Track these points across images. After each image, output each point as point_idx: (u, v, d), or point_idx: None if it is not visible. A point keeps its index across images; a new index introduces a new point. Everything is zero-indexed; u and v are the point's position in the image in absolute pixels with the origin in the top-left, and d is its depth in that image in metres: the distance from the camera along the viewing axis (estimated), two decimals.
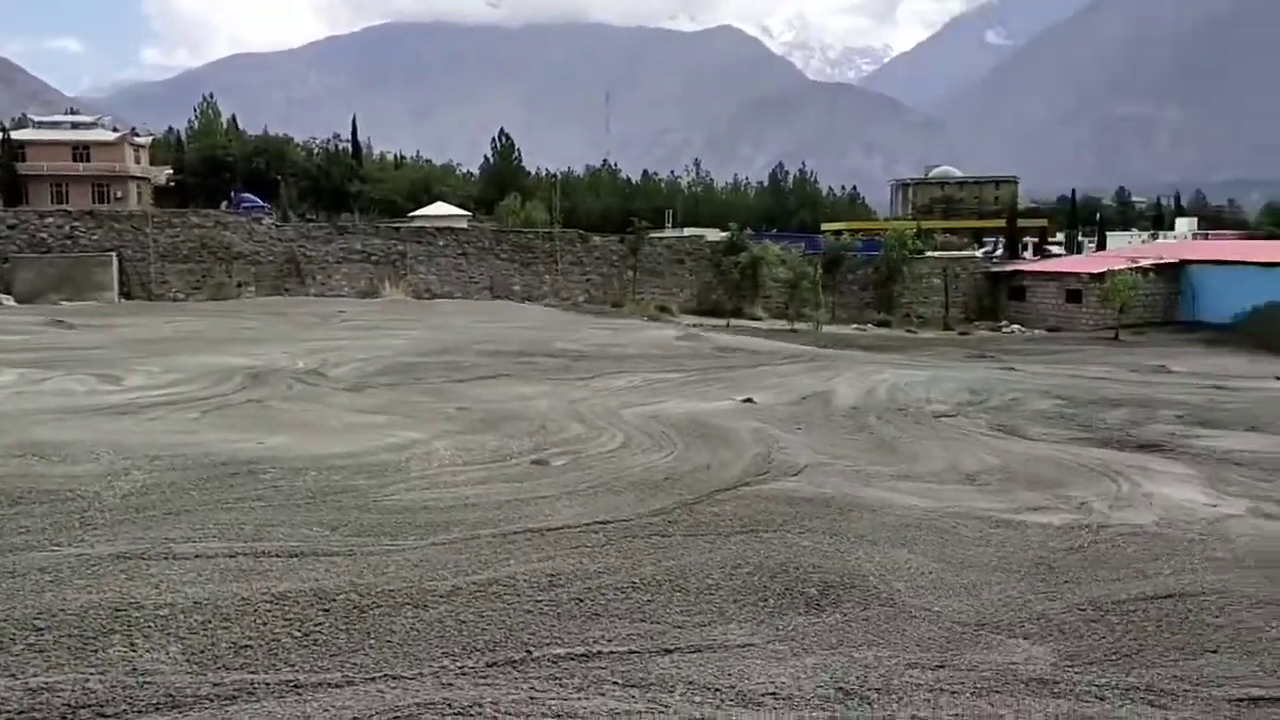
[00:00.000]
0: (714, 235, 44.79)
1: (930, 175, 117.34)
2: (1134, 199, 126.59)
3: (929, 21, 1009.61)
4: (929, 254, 48.49)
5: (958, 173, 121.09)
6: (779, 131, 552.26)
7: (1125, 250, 50.97)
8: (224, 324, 22.43)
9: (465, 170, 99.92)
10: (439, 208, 59.17)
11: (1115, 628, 4.28)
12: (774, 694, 3.24)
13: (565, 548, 4.89)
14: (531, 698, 3.20)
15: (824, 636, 3.80)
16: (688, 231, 53.07)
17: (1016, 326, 38.99)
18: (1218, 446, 10.27)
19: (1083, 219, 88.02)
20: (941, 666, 3.60)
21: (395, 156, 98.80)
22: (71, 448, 7.24)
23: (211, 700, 3.10)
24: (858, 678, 3.41)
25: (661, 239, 44.52)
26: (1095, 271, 39.66)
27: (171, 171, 63.25)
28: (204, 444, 7.56)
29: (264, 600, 4.03)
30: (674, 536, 5.23)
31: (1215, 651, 4.07)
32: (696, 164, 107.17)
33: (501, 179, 76.11)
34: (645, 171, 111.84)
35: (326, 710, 3.08)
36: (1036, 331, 37.58)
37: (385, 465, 6.93)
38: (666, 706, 3.16)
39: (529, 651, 3.59)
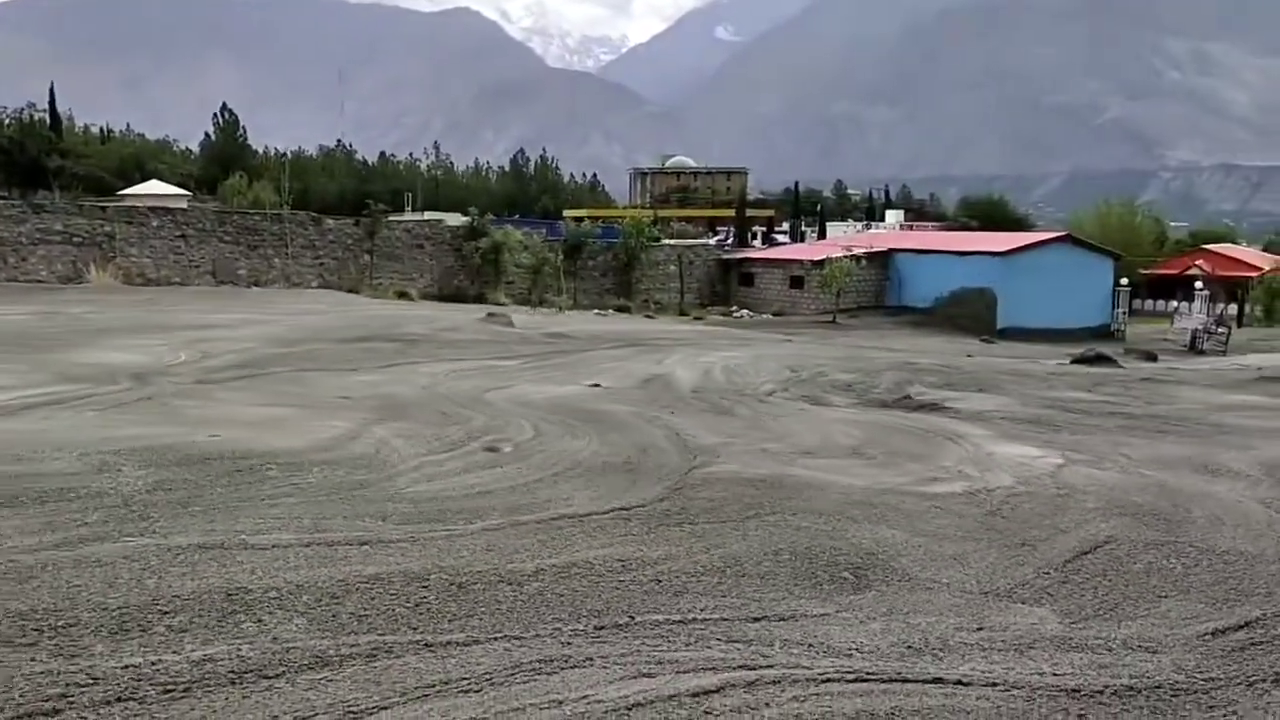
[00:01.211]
0: (455, 220, 44.16)
1: (667, 165, 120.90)
2: (850, 191, 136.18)
3: (664, 15, 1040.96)
4: (666, 242, 50.10)
5: (692, 163, 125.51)
6: (520, 117, 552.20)
7: (841, 239, 54.76)
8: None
9: (184, 147, 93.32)
10: (154, 186, 54.83)
11: (1083, 586, 4.79)
12: (857, 649, 3.72)
13: (614, 535, 5.08)
14: (641, 651, 3.58)
15: (876, 607, 4.27)
16: (428, 215, 52.05)
17: (746, 311, 41.01)
18: (970, 406, 11.57)
19: (806, 209, 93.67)
20: (980, 629, 4.09)
21: (102, 130, 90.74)
22: (11, 448, 6.65)
23: (356, 659, 3.42)
24: (919, 639, 3.94)
25: (400, 223, 43.40)
26: (816, 259, 42.38)
27: None
28: (151, 437, 7.06)
29: (360, 581, 4.22)
30: (700, 524, 5.41)
31: (1166, 596, 4.66)
32: (436, 147, 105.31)
33: (225, 157, 71.61)
34: (383, 153, 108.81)
35: (462, 665, 3.42)
36: (764, 315, 39.67)
37: (363, 457, 6.77)
38: (768, 656, 3.60)
39: (631, 618, 3.94)
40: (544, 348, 16.78)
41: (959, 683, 3.55)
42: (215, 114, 78.64)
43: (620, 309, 39.34)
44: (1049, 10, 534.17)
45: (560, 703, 3.15)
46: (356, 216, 39.61)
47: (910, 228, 73.51)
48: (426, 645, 3.60)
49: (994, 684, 3.57)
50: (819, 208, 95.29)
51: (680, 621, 3.96)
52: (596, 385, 12.04)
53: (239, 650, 3.45)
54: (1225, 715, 3.49)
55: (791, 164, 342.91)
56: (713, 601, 4.26)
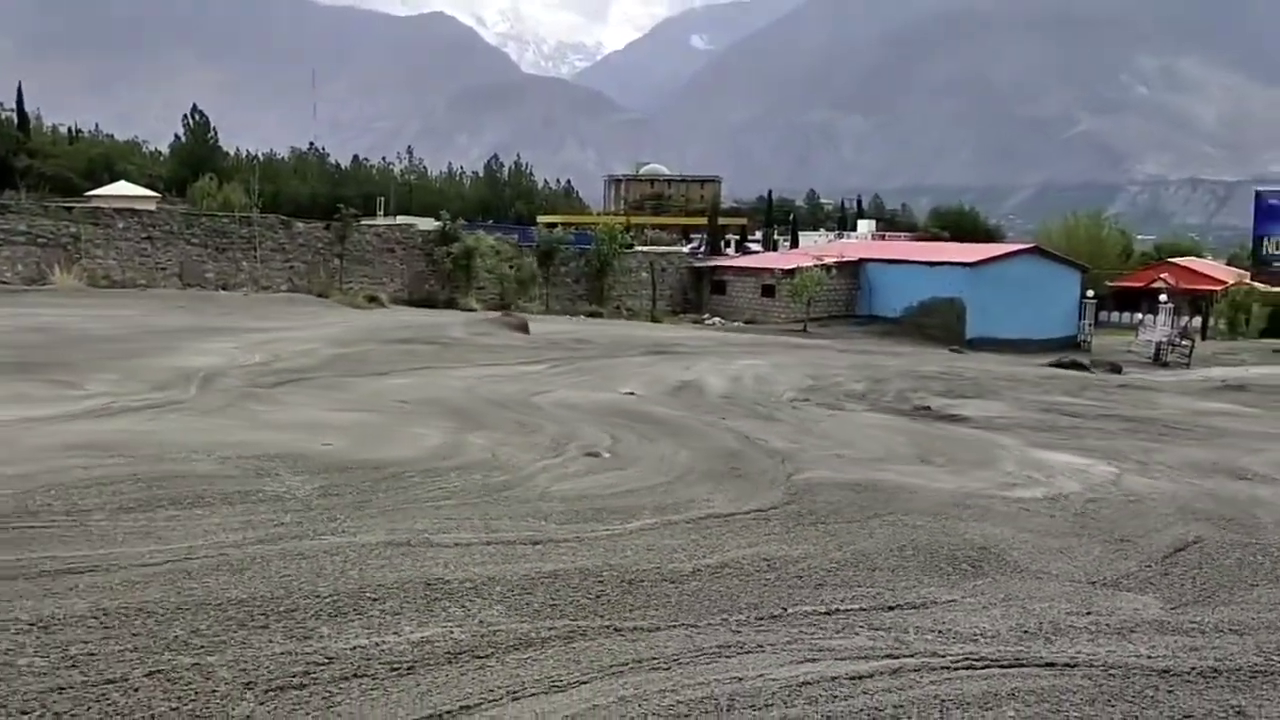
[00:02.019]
0: (427, 224, 44.01)
1: (641, 172, 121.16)
2: (822, 201, 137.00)
3: (639, 23, 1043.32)
4: (638, 249, 50.18)
5: (667, 171, 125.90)
6: (495, 122, 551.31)
7: (812, 249, 54.99)
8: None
9: (154, 148, 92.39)
10: (122, 187, 54.28)
11: (1182, 577, 5.28)
12: (981, 635, 4.19)
13: (758, 534, 5.62)
14: (801, 639, 4.02)
15: (994, 594, 4.79)
16: (400, 220, 51.84)
17: (718, 319, 41.12)
18: (981, 413, 11.98)
19: (778, 218, 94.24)
20: (1088, 614, 4.54)
21: (70, 130, 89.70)
22: (145, 449, 6.93)
23: (555, 641, 3.80)
24: (1034, 623, 4.38)
25: (372, 227, 43.14)
26: (787, 268, 42.57)
27: None
28: (272, 444, 7.35)
29: (541, 576, 4.61)
30: (829, 524, 5.96)
31: (1257, 585, 5.17)
32: (410, 151, 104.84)
33: (195, 159, 70.94)
34: (356, 157, 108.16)
35: (650, 647, 3.80)
36: (736, 323, 39.78)
37: (482, 463, 7.13)
38: (907, 643, 4.04)
39: (784, 609, 4.37)
40: (568, 353, 17.04)
41: (1068, 664, 3.95)
42: (185, 115, 77.90)
43: (592, 315, 39.32)
44: (1020, 24, 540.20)
45: (740, 680, 3.55)
46: (327, 220, 39.35)
47: (882, 238, 74.05)
48: (616, 630, 4.00)
49: (1096, 665, 3.96)
50: (792, 217, 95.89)
51: (827, 612, 4.41)
52: (631, 393, 12.05)
53: (451, 633, 3.86)
54: None
55: (765, 173, 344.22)
56: (852, 593, 4.72)
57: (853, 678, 3.66)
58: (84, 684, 3.24)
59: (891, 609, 4.53)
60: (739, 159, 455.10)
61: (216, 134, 78.69)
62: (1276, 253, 57.77)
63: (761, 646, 3.91)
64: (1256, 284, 51.63)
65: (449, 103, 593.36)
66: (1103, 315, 51.63)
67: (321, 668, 3.46)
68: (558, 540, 5.27)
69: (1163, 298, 41.96)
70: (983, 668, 3.88)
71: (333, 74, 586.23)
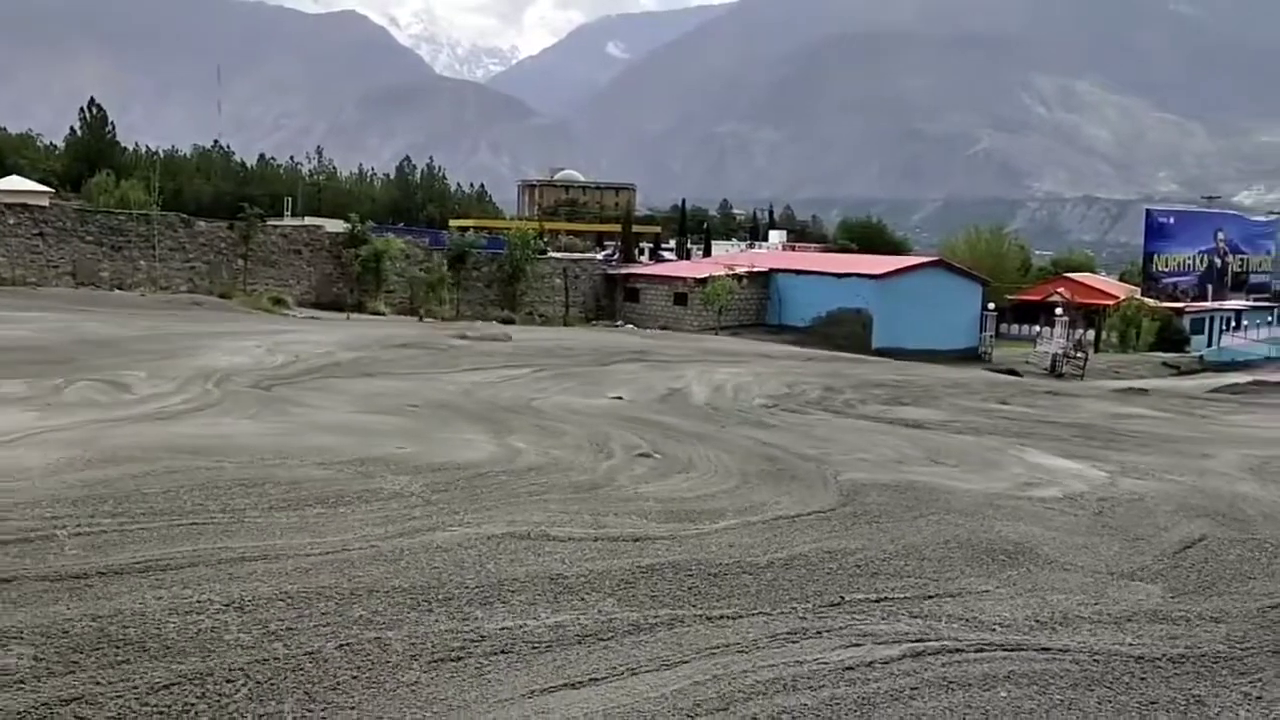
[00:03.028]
0: (336, 226, 43.19)
1: (555, 178, 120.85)
2: (735, 211, 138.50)
3: (555, 29, 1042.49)
4: (552, 255, 50.02)
5: (581, 177, 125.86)
6: (407, 124, 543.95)
7: (724, 258, 55.60)
8: None
9: (48, 142, 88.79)
10: (12, 182, 51.97)
11: (1189, 570, 5.89)
12: (999, 623, 4.76)
13: (821, 531, 6.27)
14: (852, 624, 4.60)
15: (1023, 585, 5.37)
16: (308, 221, 50.77)
17: (631, 325, 41.24)
18: (933, 418, 12.64)
19: (692, 227, 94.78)
20: (1097, 604, 5.13)
21: None
22: (233, 452, 7.51)
23: (660, 627, 4.42)
24: (1047, 613, 4.93)
25: (278, 228, 42.20)
26: (699, 277, 42.95)
27: None
28: (349, 449, 7.90)
29: (640, 570, 5.19)
30: (881, 522, 6.58)
31: (1253, 578, 5.72)
32: (319, 151, 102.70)
33: (92, 154, 68.46)
34: (262, 156, 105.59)
35: (735, 632, 4.41)
36: (649, 330, 39.94)
37: (548, 466, 7.76)
38: (936, 629, 4.60)
39: (842, 598, 4.97)
40: (548, 359, 17.37)
41: (1062, 650, 4.44)
42: (82, 108, 75.09)
43: (505, 321, 39.06)
44: (925, 44, 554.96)
45: (801, 663, 4.10)
46: (231, 220, 38.36)
47: (793, 248, 75.12)
48: (706, 618, 4.58)
49: (1086, 652, 4.44)
50: (705, 226, 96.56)
51: (877, 600, 4.99)
52: (619, 398, 12.54)
53: (578, 619, 4.43)
54: (1251, 681, 4.22)
55: (679, 181, 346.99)
56: (901, 582, 5.32)
57: (886, 661, 4.19)
58: (286, 655, 3.81)
59: (931, 597, 5.11)
60: (653, 167, 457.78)
61: (115, 128, 76.04)
62: (1165, 269, 60.36)
63: (820, 632, 4.50)
64: (1146, 299, 53.85)
65: (360, 103, 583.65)
66: (1002, 327, 53.24)
67: (475, 644, 4.06)
68: (654, 537, 5.88)
69: (1059, 311, 43.45)
70: (990, 651, 4.39)
71: (239, 71, 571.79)
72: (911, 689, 3.93)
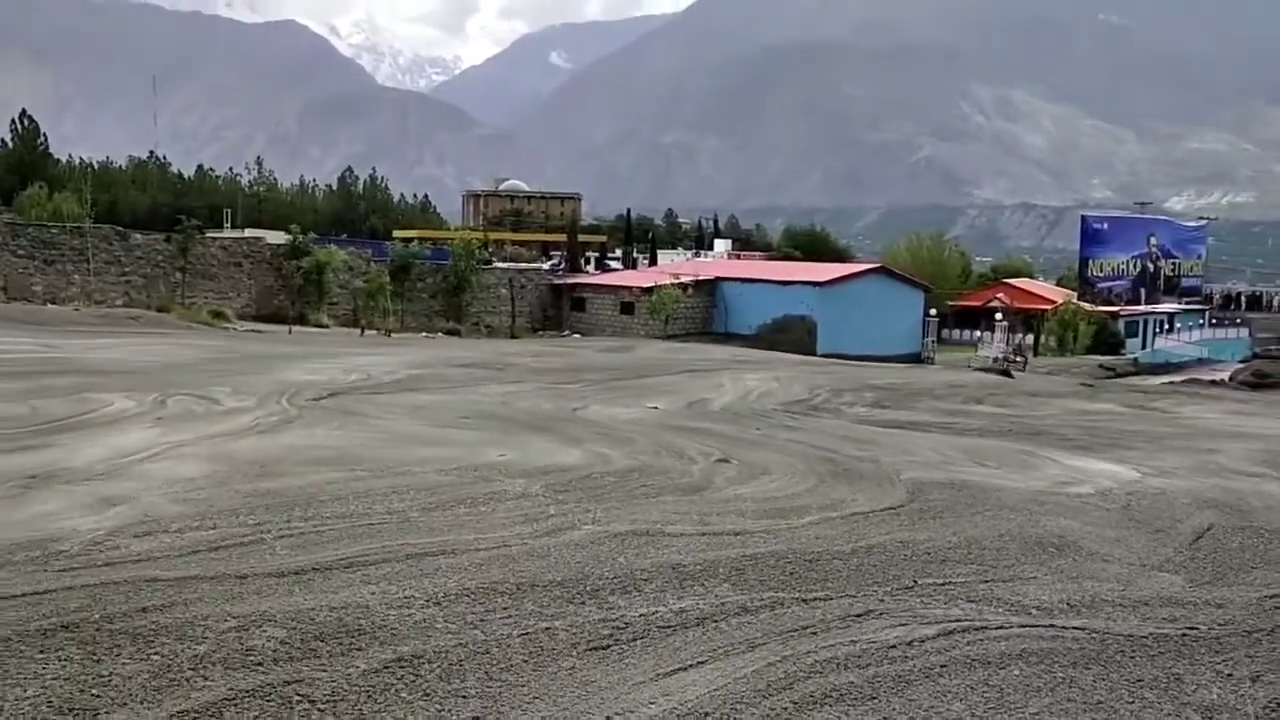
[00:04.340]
0: (277, 238, 42.57)
1: (500, 188, 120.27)
2: (680, 220, 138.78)
3: (498, 38, 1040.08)
4: (497, 265, 49.81)
5: (526, 187, 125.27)
6: (349, 134, 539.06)
7: (670, 267, 55.75)
8: None
9: None
10: None
11: (1204, 560, 6.49)
12: (1036, 606, 5.28)
13: (893, 525, 6.95)
14: (920, 607, 5.17)
15: (1068, 573, 5.98)
16: (248, 233, 49.97)
17: (578, 335, 41.18)
18: (953, 423, 13.33)
19: (637, 236, 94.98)
20: (1124, 590, 5.68)
21: None
22: (353, 462, 8.26)
23: (764, 609, 5.01)
24: (1079, 598, 5.47)
25: (217, 239, 41.52)
26: (645, 286, 43.03)
27: None
28: (452, 460, 8.58)
29: (746, 559, 5.86)
30: (944, 517, 7.26)
31: (1256, 568, 6.34)
32: (259, 162, 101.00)
33: (23, 166, 66.77)
34: (200, 167, 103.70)
35: (824, 613, 5.00)
36: (600, 340, 39.90)
37: (647, 468, 8.60)
38: (980, 611, 5.14)
39: (915, 582, 5.61)
40: (559, 374, 17.85)
41: (1074, 628, 4.93)
42: (13, 119, 73.24)
43: (450, 332, 38.79)
44: (865, 54, 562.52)
45: (854, 643, 4.59)
46: (168, 232, 37.64)
47: (738, 257, 75.66)
48: (802, 600, 5.19)
49: (1096, 632, 4.91)
50: (650, 235, 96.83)
51: (941, 584, 5.59)
52: (655, 408, 13.35)
53: (698, 605, 5.02)
54: (1224, 660, 4.66)
55: (624, 190, 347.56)
56: (963, 569, 5.93)
57: (934, 637, 4.70)
58: (481, 641, 4.39)
59: (986, 583, 5.69)
60: (599, 176, 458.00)
61: (47, 140, 74.26)
62: (1100, 274, 61.75)
63: (892, 613, 5.03)
64: (1083, 304, 55.00)
65: (300, 114, 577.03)
66: (944, 333, 54.06)
67: (620, 631, 4.62)
68: (752, 531, 6.56)
69: (999, 316, 44.25)
70: (1013, 629, 4.90)
71: (176, 81, 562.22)
72: (941, 666, 4.39)
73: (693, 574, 5.52)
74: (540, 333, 42.29)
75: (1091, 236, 62.69)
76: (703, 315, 43.50)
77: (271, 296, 38.18)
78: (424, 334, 37.03)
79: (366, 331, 34.74)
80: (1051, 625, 5.00)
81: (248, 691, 3.71)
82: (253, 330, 30.38)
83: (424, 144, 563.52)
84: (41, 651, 4.00)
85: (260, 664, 3.96)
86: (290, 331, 31.81)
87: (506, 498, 7.12)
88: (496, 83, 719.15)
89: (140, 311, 30.98)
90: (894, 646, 4.57)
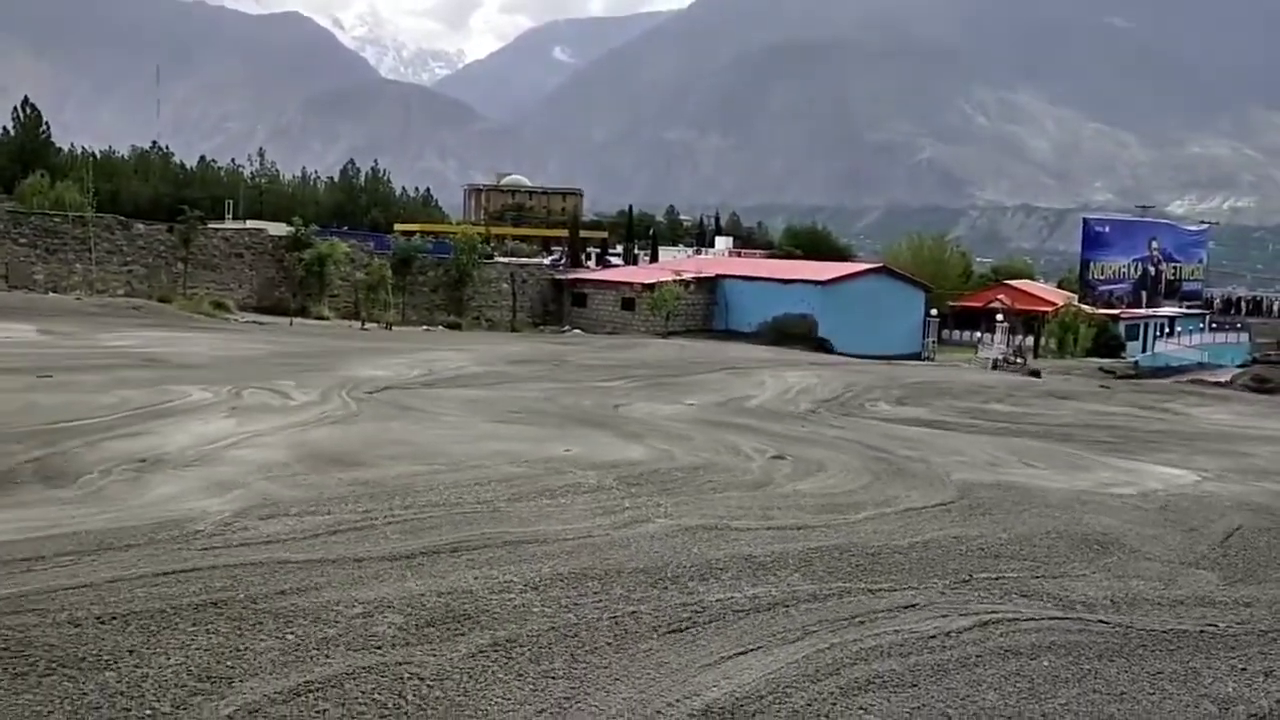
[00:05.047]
0: (279, 229, 42.52)
1: (502, 183, 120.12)
2: (682, 217, 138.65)
3: (501, 33, 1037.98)
4: (499, 259, 49.78)
5: (528, 182, 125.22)
6: (351, 127, 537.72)
7: (670, 263, 55.71)
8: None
9: None
10: None
11: (1235, 558, 6.78)
12: (1080, 601, 5.53)
13: (945, 521, 7.30)
14: (975, 600, 5.38)
15: (1115, 570, 6.25)
16: (250, 224, 49.91)
17: (578, 330, 41.17)
18: (983, 424, 14.06)
19: (639, 233, 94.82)
20: (1166, 588, 5.96)
21: None
22: (430, 455, 8.76)
23: (831, 597, 5.31)
24: (1124, 594, 5.71)
25: (219, 230, 41.48)
26: (647, 282, 43.01)
27: None
28: (518, 453, 9.06)
29: (813, 552, 6.20)
30: (994, 514, 7.57)
31: None
32: (261, 154, 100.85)
33: (25, 154, 66.62)
34: (203, 158, 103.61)
35: (888, 602, 5.27)
36: (600, 335, 39.88)
37: (710, 465, 8.96)
38: (1028, 604, 5.36)
39: (971, 575, 5.88)
40: (590, 372, 18.84)
41: (1112, 624, 5.18)
42: (15, 108, 73.08)
43: (451, 326, 38.78)
44: (867, 54, 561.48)
45: (928, 633, 4.85)
46: (171, 223, 37.61)
47: (739, 254, 75.55)
48: (868, 590, 5.50)
49: (1124, 626, 5.16)
50: (652, 232, 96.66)
51: (995, 579, 5.86)
52: (691, 404, 13.90)
53: (769, 591, 5.33)
54: (1238, 656, 4.86)
55: (626, 187, 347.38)
56: (1016, 565, 6.23)
57: (957, 631, 4.91)
58: (573, 624, 4.69)
59: (1037, 578, 5.97)
60: (600, 173, 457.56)
61: (49, 129, 74.13)
62: (1102, 277, 61.73)
63: (950, 606, 5.27)
64: (1083, 306, 54.98)
65: (303, 106, 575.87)
66: (944, 333, 54.03)
67: (698, 614, 4.92)
68: (812, 526, 6.91)
69: (999, 317, 44.23)
70: (1050, 621, 5.17)
71: (179, 71, 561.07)
72: (977, 657, 4.62)
73: (764, 564, 5.88)
74: (541, 328, 42.28)
75: (1093, 239, 62.65)
76: (703, 312, 43.49)
77: (273, 288, 38.17)
78: (424, 327, 37.03)
79: (367, 325, 34.73)
80: (1080, 619, 5.23)
81: (365, 669, 4.04)
82: (254, 322, 30.42)
83: (426, 138, 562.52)
84: (194, 625, 4.43)
85: (380, 647, 4.28)
86: (291, 324, 31.81)
87: (582, 490, 7.61)
88: (499, 77, 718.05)
89: (142, 301, 30.98)
90: (933, 636, 4.82)
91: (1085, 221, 66.66)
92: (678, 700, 3.95)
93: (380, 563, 5.47)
